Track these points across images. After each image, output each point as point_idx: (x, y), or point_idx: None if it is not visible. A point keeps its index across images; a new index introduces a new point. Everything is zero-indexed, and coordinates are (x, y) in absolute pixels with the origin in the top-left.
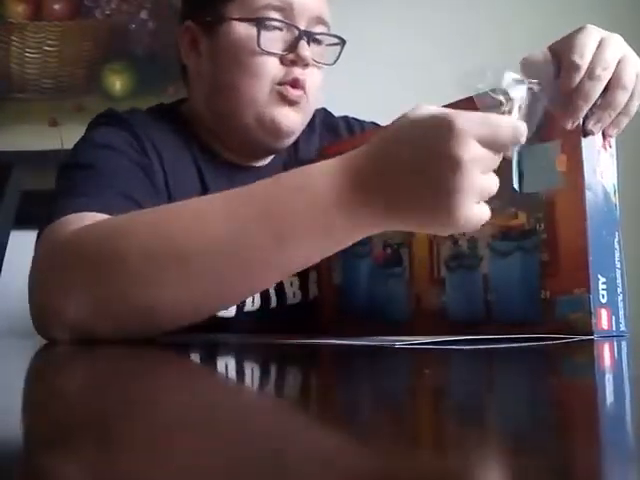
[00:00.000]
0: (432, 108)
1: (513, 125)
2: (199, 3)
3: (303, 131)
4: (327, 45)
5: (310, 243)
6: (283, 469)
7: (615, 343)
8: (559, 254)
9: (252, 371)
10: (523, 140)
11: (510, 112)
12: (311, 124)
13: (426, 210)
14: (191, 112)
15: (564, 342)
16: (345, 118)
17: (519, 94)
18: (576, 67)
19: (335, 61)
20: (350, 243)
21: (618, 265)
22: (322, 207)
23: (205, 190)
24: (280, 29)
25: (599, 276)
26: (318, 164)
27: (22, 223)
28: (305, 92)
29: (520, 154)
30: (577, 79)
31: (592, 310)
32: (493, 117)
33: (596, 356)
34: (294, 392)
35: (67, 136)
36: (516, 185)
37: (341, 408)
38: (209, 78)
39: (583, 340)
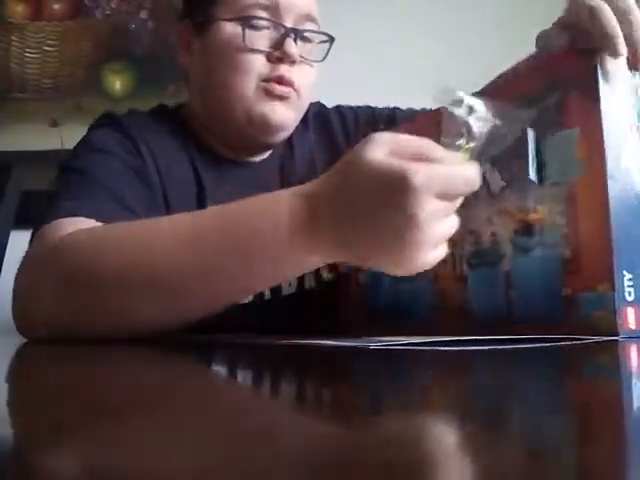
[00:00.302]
0: (387, 139)
1: (468, 177)
2: (192, 4)
3: (297, 127)
4: (318, 43)
5: (275, 265)
6: (283, 467)
7: None
8: (580, 249)
9: (250, 371)
10: (476, 188)
11: (467, 149)
12: (304, 119)
13: (383, 255)
14: (189, 111)
15: (586, 343)
16: (337, 108)
17: (481, 134)
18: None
19: (324, 58)
20: (317, 267)
21: None
22: (285, 231)
23: (201, 190)
24: (267, 27)
25: (625, 272)
26: (282, 190)
27: (22, 223)
28: (294, 89)
29: (537, 144)
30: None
31: (616, 308)
32: (450, 170)
33: (621, 358)
34: (294, 392)
35: (67, 136)
36: (533, 177)
37: (347, 409)
38: (201, 77)
39: (607, 341)
